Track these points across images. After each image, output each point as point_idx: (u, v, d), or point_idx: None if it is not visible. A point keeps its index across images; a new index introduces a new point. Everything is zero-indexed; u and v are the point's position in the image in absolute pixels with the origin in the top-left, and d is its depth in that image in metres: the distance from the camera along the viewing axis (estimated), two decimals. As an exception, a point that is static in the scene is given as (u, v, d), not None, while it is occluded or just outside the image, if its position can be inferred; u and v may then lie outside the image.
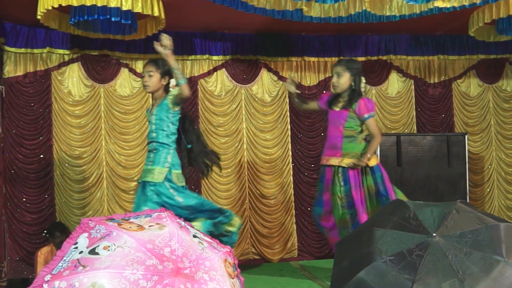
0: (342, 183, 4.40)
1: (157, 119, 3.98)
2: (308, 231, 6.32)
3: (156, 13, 4.47)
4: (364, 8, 4.83)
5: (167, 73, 4.00)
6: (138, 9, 4.34)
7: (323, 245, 6.26)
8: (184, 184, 4.06)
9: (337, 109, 4.51)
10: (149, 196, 3.89)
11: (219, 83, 6.26)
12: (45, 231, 5.58)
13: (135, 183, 5.90)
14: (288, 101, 6.31)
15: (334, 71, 4.50)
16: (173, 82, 3.99)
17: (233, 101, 6.27)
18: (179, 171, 4.02)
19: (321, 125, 6.28)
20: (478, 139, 6.73)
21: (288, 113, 6.38)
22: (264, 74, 6.36)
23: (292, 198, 6.35)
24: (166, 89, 4.06)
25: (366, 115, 4.40)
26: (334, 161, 4.45)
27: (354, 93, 4.44)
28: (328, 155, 4.51)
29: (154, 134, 4.00)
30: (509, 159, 6.82)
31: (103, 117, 5.95)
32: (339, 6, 4.88)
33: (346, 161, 4.39)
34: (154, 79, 4.00)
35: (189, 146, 4.18)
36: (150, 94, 4.30)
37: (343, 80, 4.45)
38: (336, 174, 4.43)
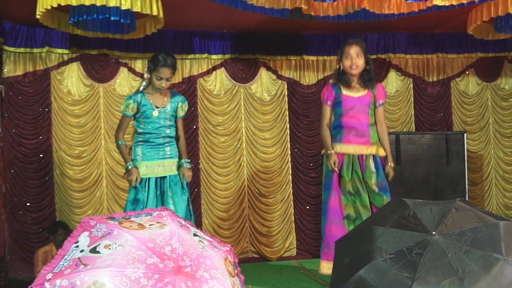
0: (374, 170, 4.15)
1: (171, 115, 4.17)
2: (306, 229, 6.33)
3: (155, 12, 4.46)
4: (363, 6, 4.84)
5: (149, 69, 4.10)
6: (137, 8, 4.33)
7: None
8: None
9: (357, 95, 4.13)
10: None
11: (218, 82, 6.26)
12: (47, 230, 5.57)
13: (134, 182, 5.90)
14: (287, 100, 6.32)
15: (352, 50, 4.07)
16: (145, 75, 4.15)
17: (232, 100, 6.27)
18: None
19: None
20: (476, 137, 6.74)
21: (287, 112, 6.38)
22: (263, 73, 6.36)
23: (291, 197, 6.35)
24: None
25: (381, 101, 4.18)
26: (364, 149, 4.12)
27: (370, 75, 4.12)
28: (357, 143, 4.11)
29: (168, 130, 4.17)
30: (508, 158, 6.83)
31: (102, 116, 5.95)
32: (338, 5, 4.89)
33: (381, 152, 4.15)
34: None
35: None
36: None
37: (362, 62, 4.09)
38: (366, 161, 4.14)
